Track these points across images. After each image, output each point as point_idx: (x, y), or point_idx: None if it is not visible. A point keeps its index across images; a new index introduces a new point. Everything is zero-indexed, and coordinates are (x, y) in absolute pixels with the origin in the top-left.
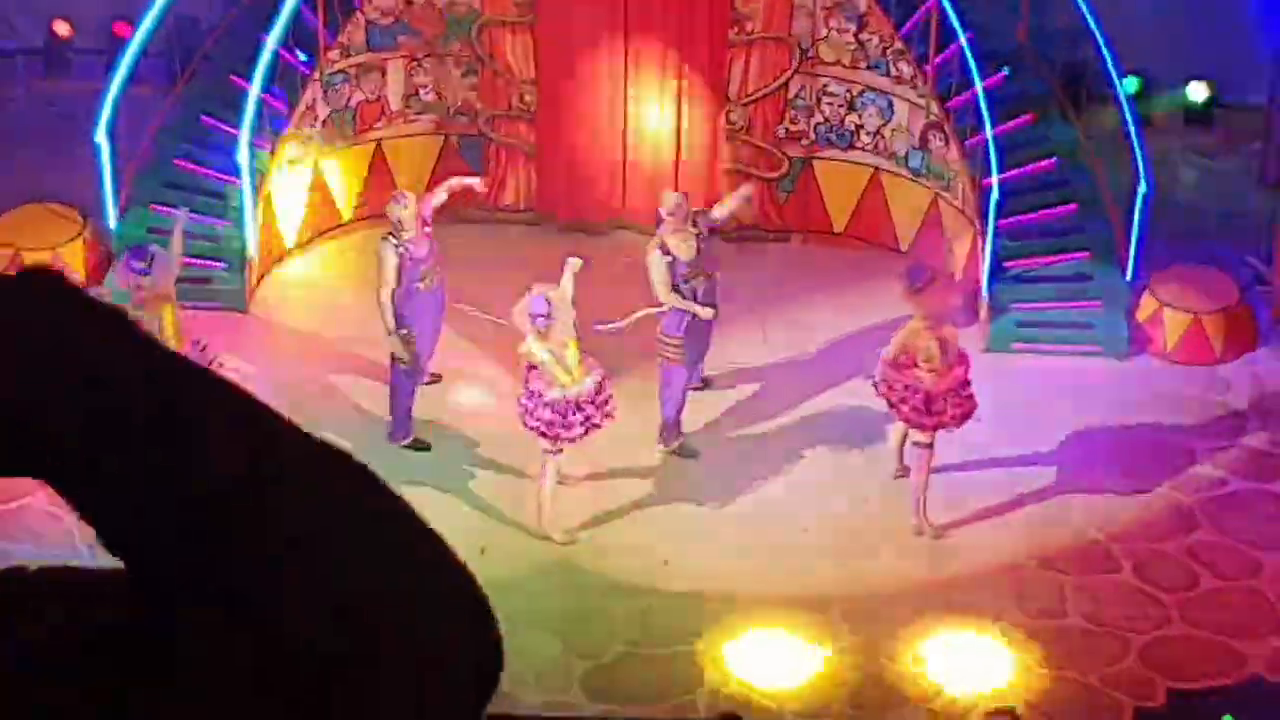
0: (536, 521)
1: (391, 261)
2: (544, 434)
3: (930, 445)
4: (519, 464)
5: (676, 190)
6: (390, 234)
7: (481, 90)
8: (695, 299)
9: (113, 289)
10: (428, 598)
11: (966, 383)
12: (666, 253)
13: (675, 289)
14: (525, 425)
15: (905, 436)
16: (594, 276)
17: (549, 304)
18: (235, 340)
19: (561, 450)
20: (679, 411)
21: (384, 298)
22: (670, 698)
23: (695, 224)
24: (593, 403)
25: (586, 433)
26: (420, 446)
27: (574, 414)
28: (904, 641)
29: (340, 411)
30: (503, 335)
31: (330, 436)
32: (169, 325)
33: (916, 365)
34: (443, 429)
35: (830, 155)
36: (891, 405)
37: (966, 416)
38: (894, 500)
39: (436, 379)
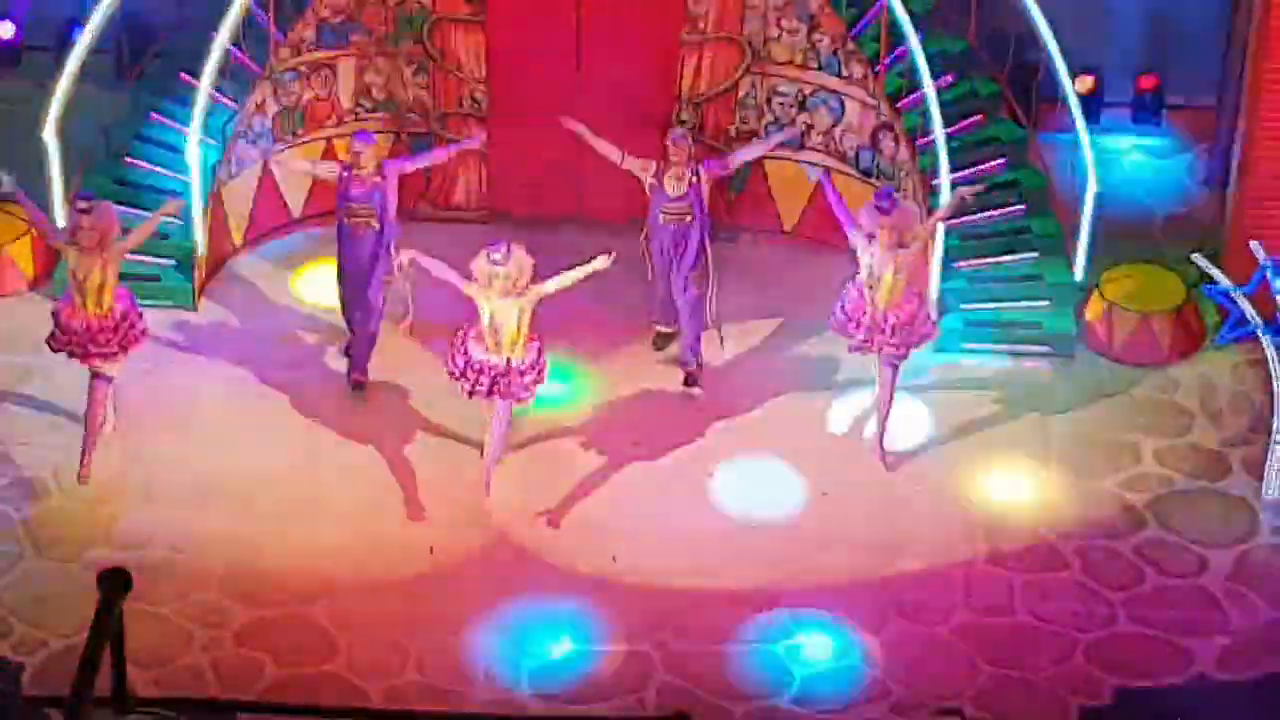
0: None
1: (326, 167)
2: (452, 375)
3: (894, 370)
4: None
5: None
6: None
7: (433, 88)
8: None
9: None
10: None
11: (923, 316)
12: (657, 178)
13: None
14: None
15: (881, 430)
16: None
17: (508, 249)
18: (185, 338)
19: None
20: (660, 302)
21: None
22: (618, 696)
23: (696, 171)
24: (504, 375)
25: (489, 395)
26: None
27: (482, 375)
28: (853, 638)
29: (290, 408)
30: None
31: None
32: (102, 274)
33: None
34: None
35: (781, 155)
36: (846, 329)
37: (917, 344)
38: (847, 497)
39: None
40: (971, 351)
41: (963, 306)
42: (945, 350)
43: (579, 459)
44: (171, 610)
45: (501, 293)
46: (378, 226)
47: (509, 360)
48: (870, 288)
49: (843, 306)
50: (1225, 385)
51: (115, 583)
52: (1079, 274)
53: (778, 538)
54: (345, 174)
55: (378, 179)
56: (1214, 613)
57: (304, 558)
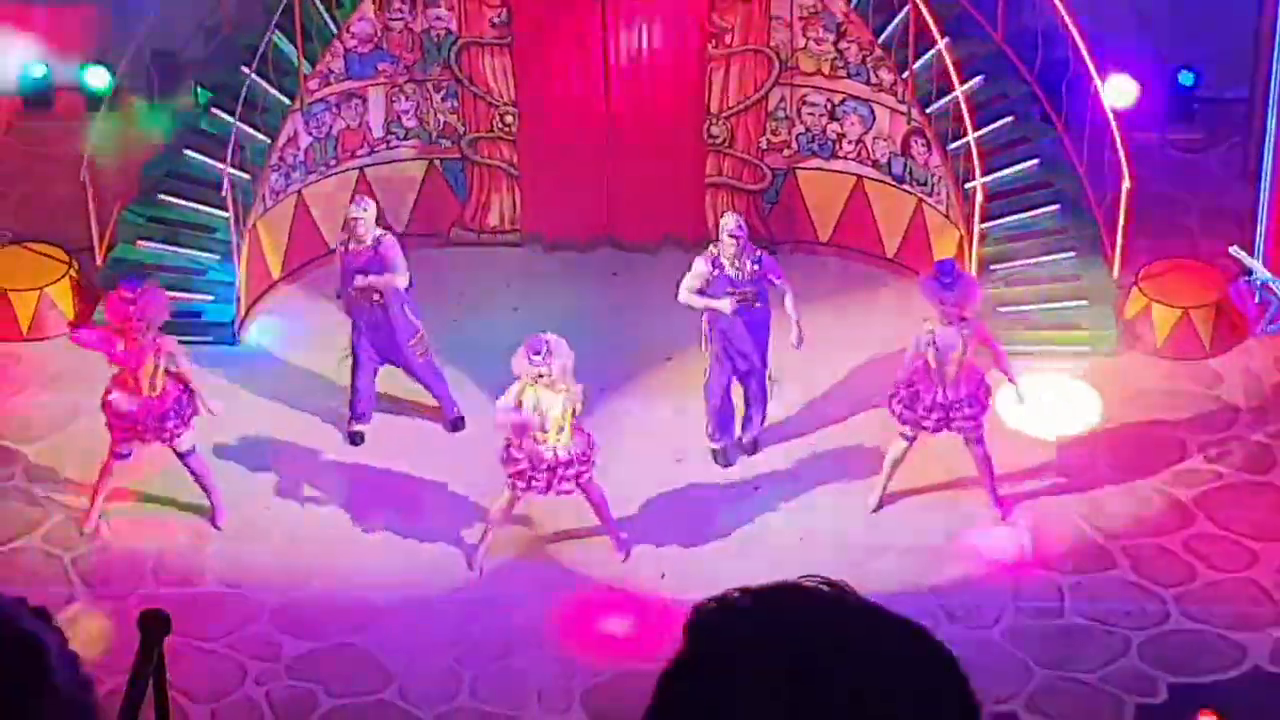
0: (480, 543)
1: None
2: (512, 477)
3: (979, 443)
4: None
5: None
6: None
7: (462, 113)
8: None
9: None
10: None
11: (974, 400)
12: (715, 265)
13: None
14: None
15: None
16: (587, 297)
17: (547, 344)
18: (226, 372)
19: (519, 495)
20: (717, 414)
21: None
22: None
23: (755, 260)
24: (567, 465)
25: (547, 492)
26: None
27: (543, 470)
28: None
29: (334, 442)
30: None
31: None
32: (155, 359)
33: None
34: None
35: (813, 165)
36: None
37: (985, 410)
38: (893, 506)
39: (357, 438)
40: (1012, 353)
41: (1000, 309)
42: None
43: (624, 474)
44: (224, 644)
45: (544, 386)
46: (380, 298)
47: (555, 452)
48: (938, 366)
49: (903, 398)
50: (1269, 377)
51: (155, 624)
52: (1116, 271)
53: (826, 547)
54: (342, 249)
55: (381, 248)
56: (1266, 606)
57: (353, 587)
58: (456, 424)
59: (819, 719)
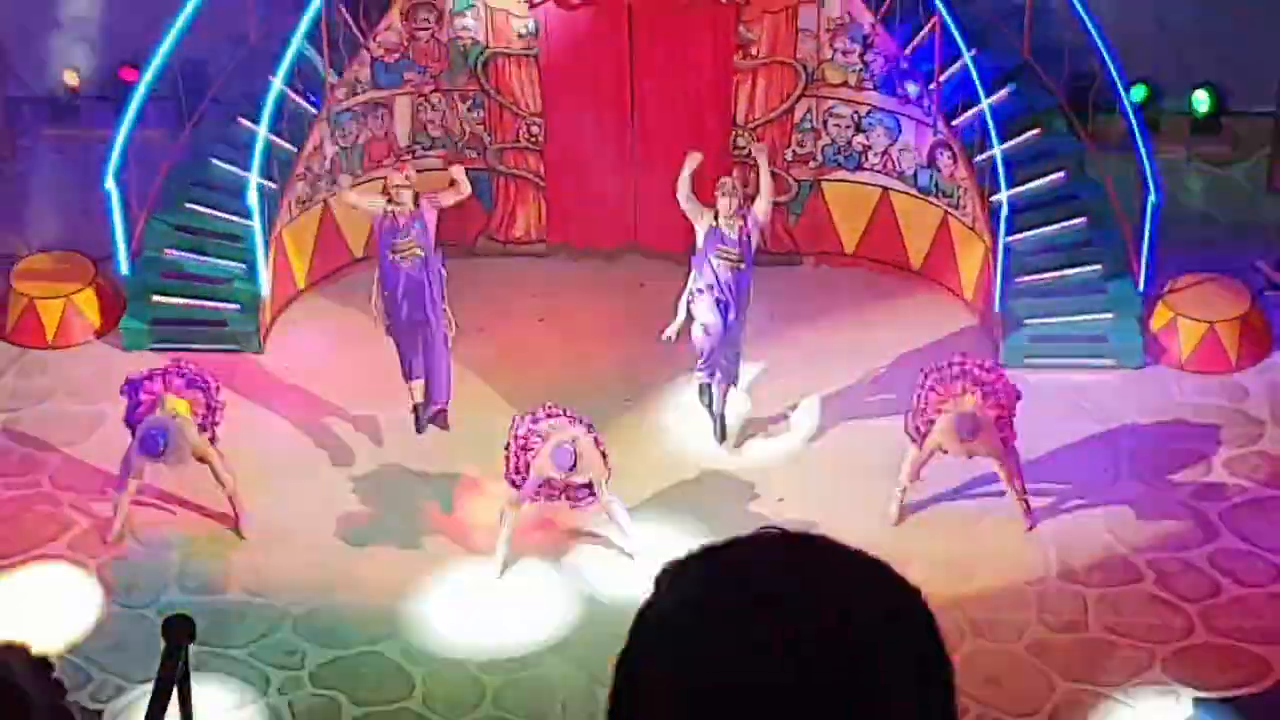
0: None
1: (368, 203)
2: (513, 483)
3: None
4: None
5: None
6: (387, 193)
7: (489, 123)
8: (717, 282)
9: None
10: None
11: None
12: (715, 219)
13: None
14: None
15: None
16: (612, 307)
17: (573, 456)
18: (251, 382)
19: (519, 506)
20: (710, 390)
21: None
22: None
23: (745, 217)
24: (571, 486)
25: (558, 499)
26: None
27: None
28: None
29: (359, 449)
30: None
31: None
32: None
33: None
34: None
35: (839, 177)
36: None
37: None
38: (916, 517)
39: (428, 419)
40: (1037, 366)
41: (1027, 321)
42: (1010, 366)
43: (646, 485)
44: (248, 653)
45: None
46: (422, 255)
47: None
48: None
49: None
50: None
51: (180, 629)
52: (1142, 285)
53: None
54: (385, 217)
55: (423, 214)
56: None
57: (376, 595)
58: (439, 417)
59: (784, 644)
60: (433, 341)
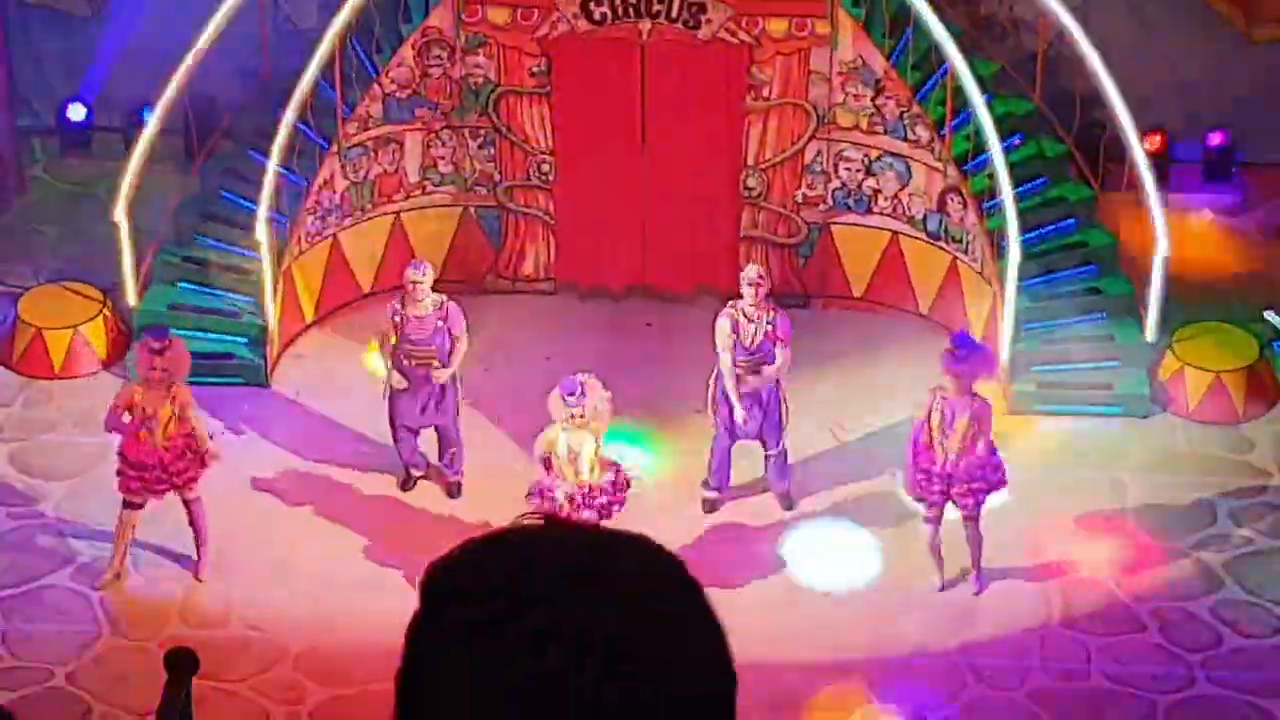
0: None
1: (389, 316)
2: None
3: (975, 523)
4: None
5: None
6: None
7: (499, 161)
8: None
9: (131, 368)
10: None
11: (988, 463)
12: (734, 328)
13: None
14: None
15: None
16: (620, 346)
17: (581, 385)
18: (258, 415)
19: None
20: (715, 471)
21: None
22: None
23: (772, 312)
24: (590, 493)
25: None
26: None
27: (584, 501)
28: (931, 704)
29: (363, 484)
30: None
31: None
32: (171, 408)
33: (932, 448)
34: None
35: (848, 220)
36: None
37: (988, 491)
38: (918, 566)
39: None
40: (1044, 413)
41: (1034, 368)
42: (1018, 412)
43: (655, 524)
44: (248, 688)
45: (577, 427)
46: (439, 366)
47: (590, 486)
48: (942, 434)
49: (916, 466)
50: None
51: (182, 662)
52: (1151, 334)
53: (854, 603)
54: (397, 313)
55: (442, 324)
56: None
57: (378, 633)
58: (453, 489)
59: (547, 637)
60: (449, 428)
